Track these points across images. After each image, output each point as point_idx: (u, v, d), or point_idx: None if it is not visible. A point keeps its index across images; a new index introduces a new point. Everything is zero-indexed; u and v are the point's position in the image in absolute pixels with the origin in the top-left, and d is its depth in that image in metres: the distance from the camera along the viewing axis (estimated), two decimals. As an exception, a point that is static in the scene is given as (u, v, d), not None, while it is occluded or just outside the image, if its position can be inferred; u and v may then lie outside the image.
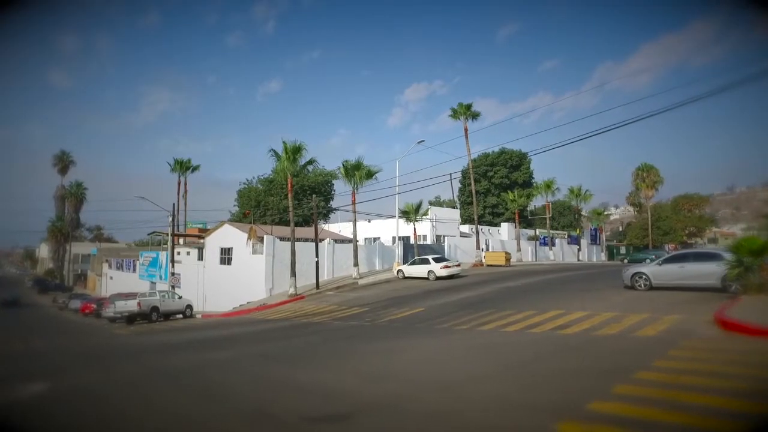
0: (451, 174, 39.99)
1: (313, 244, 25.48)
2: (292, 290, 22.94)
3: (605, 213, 60.12)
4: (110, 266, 47.05)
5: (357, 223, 27.40)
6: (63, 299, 40.84)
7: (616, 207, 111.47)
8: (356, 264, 25.96)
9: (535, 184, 47.80)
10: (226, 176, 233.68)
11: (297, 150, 23.41)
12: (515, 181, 50.41)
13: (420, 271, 23.86)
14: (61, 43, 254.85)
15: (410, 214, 30.11)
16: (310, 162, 24.18)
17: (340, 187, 41.94)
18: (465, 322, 11.50)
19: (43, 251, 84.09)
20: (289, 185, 24.60)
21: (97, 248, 61.95)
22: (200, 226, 44.41)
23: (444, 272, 22.88)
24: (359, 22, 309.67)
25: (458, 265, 24.19)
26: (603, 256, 51.16)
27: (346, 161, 26.36)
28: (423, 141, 29.82)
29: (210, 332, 15.83)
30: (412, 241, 31.86)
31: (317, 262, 24.64)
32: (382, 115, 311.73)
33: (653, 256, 39.51)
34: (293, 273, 23.16)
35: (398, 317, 13.78)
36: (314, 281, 24.57)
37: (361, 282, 24.61)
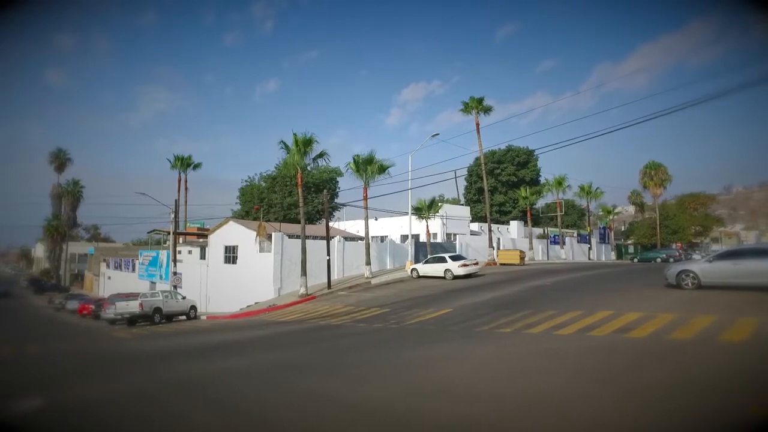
0: (455, 171, 39.13)
1: (323, 241, 24.40)
2: (302, 290, 21.80)
3: (615, 211, 59.19)
4: (108, 266, 45.79)
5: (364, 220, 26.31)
6: (59, 300, 39.53)
7: (615, 207, 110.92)
8: (368, 262, 24.86)
9: (546, 181, 46.79)
10: (224, 176, 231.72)
11: (308, 142, 22.28)
12: (522, 178, 49.42)
13: (436, 269, 22.79)
14: (59, 42, 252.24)
15: (423, 210, 29.04)
16: (321, 155, 23.02)
17: (345, 184, 40.86)
18: (506, 324, 10.43)
19: (39, 251, 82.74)
20: (299, 179, 23.45)
21: (95, 248, 60.63)
22: (199, 225, 43.38)
23: (462, 271, 21.83)
24: (357, 21, 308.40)
25: (476, 264, 23.13)
26: (612, 255, 50.30)
27: (357, 156, 25.27)
28: (437, 134, 28.81)
29: (220, 336, 14.71)
30: (422, 239, 30.81)
31: (328, 261, 23.53)
32: (380, 115, 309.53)
33: (664, 255, 38.69)
34: (304, 272, 22.03)
35: (427, 319, 12.70)
36: (324, 281, 23.45)
37: (374, 281, 23.52)
